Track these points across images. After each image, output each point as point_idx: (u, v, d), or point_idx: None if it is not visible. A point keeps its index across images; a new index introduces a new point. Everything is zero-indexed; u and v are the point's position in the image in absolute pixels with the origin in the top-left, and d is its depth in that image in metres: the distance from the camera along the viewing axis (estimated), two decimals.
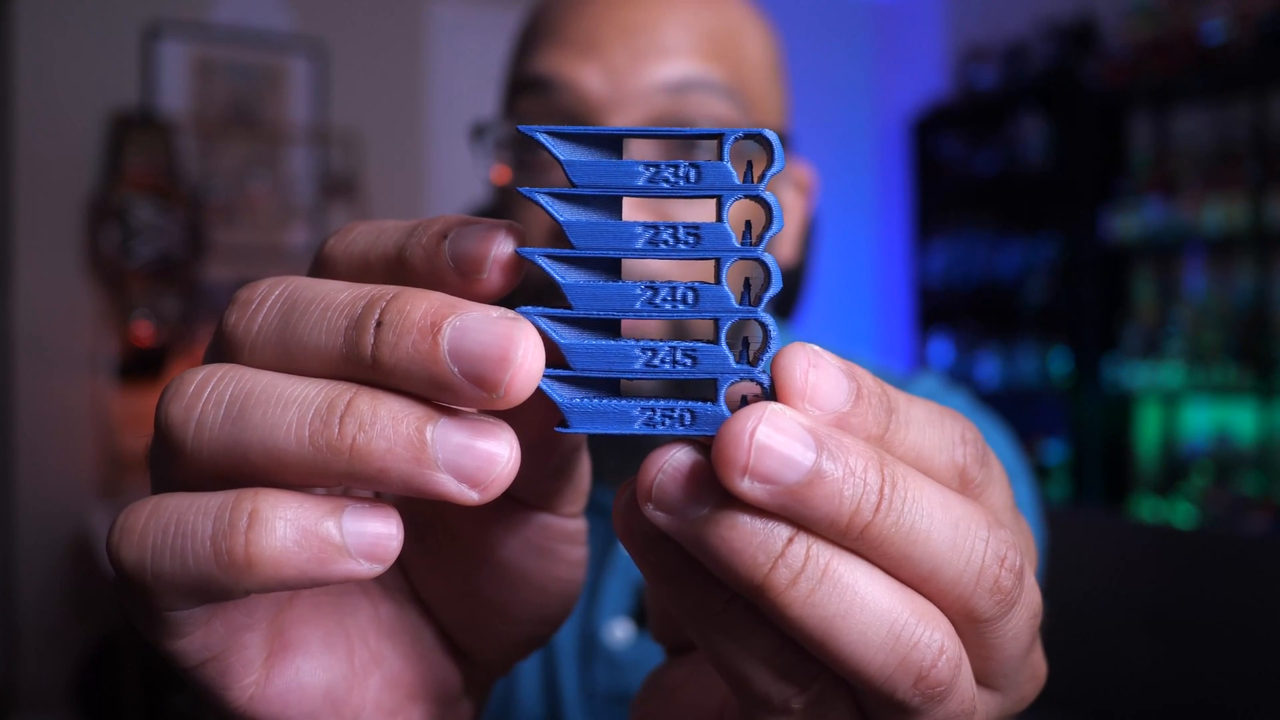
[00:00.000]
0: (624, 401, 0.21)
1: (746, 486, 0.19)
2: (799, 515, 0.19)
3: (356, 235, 0.23)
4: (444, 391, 0.20)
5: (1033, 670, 0.23)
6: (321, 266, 0.23)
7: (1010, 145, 3.11)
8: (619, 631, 0.59)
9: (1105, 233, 2.80)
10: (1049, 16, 3.05)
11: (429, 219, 0.22)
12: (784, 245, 0.66)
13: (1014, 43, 3.14)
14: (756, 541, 0.19)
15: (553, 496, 0.26)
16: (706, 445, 0.20)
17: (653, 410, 0.21)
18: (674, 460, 0.20)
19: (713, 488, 0.19)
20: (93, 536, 2.17)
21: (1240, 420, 2.62)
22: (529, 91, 0.56)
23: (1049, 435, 2.98)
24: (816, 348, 0.20)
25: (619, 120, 0.54)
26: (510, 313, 0.20)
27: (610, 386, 0.21)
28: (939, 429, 0.21)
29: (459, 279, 0.21)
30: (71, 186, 2.36)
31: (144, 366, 2.33)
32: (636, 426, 0.21)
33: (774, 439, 0.19)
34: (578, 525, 0.27)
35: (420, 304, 0.20)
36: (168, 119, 2.43)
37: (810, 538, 0.19)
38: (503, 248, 0.21)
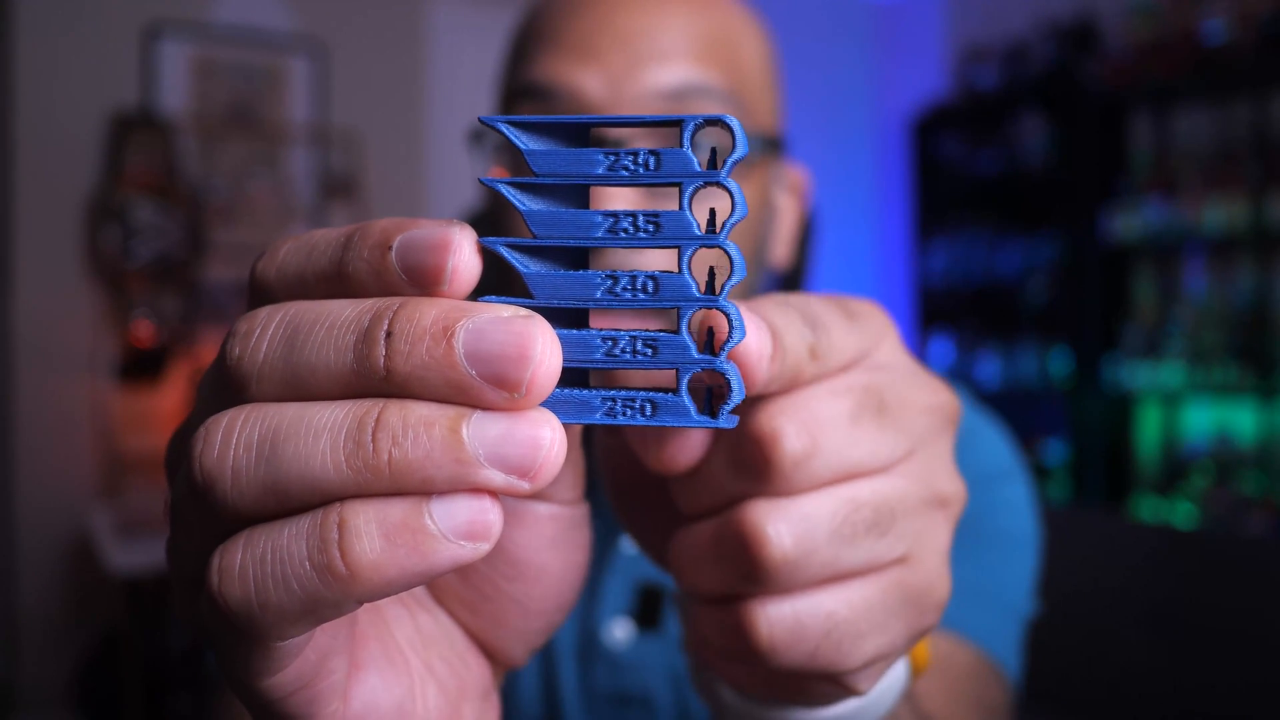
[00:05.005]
0: (586, 391, 0.21)
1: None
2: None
3: (286, 255, 0.22)
4: (462, 395, 0.19)
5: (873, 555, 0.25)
6: (258, 295, 0.23)
7: (1010, 145, 3.11)
8: (619, 631, 0.59)
9: (1105, 233, 2.80)
10: (1049, 16, 3.05)
11: (363, 227, 0.21)
12: (780, 247, 0.66)
13: (1014, 43, 3.14)
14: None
15: (556, 484, 0.26)
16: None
17: (614, 400, 0.21)
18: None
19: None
20: (93, 536, 2.17)
21: (1240, 420, 2.62)
22: (527, 98, 0.56)
23: (1049, 435, 2.98)
24: (757, 319, 0.22)
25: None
26: (522, 310, 0.20)
27: (577, 377, 0.21)
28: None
29: (415, 293, 0.20)
30: (71, 186, 2.36)
31: (144, 366, 2.33)
32: (598, 416, 0.21)
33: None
34: (582, 510, 0.28)
35: (429, 310, 0.19)
36: (168, 119, 2.43)
37: None
38: (461, 254, 0.20)
